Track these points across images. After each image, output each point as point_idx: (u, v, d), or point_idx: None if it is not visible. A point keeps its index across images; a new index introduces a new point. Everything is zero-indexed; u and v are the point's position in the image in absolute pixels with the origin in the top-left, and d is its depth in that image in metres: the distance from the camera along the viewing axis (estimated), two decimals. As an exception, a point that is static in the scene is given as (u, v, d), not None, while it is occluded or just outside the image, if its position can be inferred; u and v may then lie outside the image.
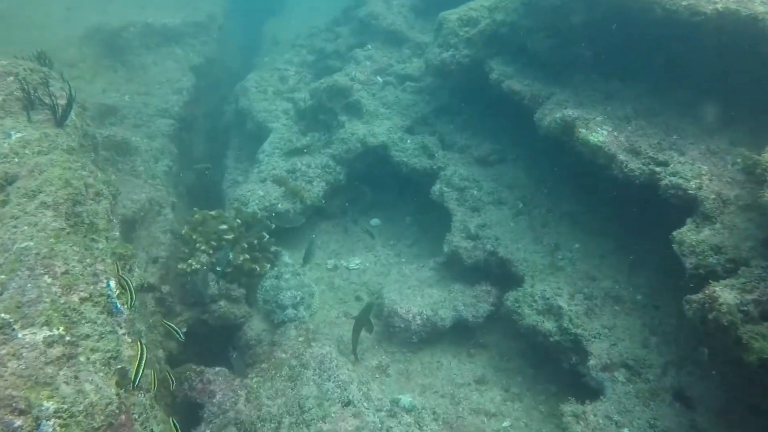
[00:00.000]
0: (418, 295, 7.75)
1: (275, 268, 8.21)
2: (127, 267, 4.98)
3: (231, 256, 7.42)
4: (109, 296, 3.85)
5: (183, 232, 7.85)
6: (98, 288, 3.79)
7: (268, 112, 11.03)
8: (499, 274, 7.73)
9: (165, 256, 8.20)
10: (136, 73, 11.59)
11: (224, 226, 7.72)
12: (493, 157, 8.99)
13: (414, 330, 7.32)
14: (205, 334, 7.73)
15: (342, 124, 9.77)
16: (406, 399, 6.20)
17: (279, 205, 8.92)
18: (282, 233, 8.95)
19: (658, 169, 6.13)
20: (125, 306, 4.01)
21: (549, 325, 6.58)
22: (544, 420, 6.60)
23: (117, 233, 6.58)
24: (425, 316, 7.32)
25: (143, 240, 8.23)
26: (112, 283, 3.99)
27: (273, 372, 6.44)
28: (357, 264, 8.94)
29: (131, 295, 4.08)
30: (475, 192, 8.42)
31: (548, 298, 6.76)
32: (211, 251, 7.60)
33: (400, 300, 7.61)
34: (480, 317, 7.42)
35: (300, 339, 7.06)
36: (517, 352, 7.43)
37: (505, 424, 6.52)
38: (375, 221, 9.91)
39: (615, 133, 6.66)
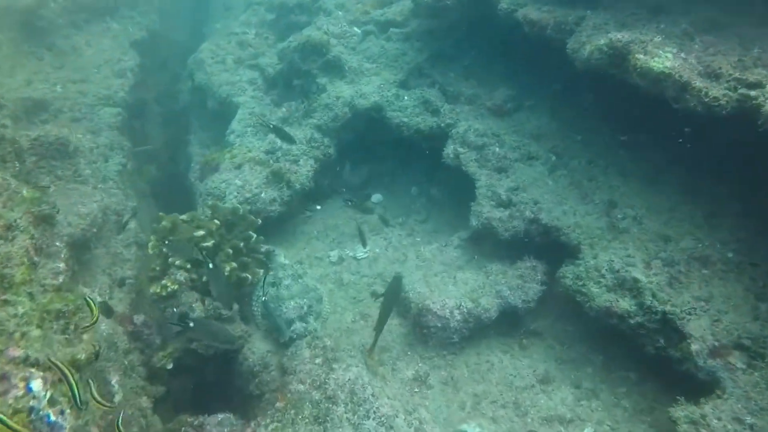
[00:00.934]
0: (449, 282, 6.39)
1: (270, 273, 6.73)
2: (71, 327, 3.46)
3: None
4: (33, 409, 2.38)
5: (150, 245, 6.29)
6: (11, 399, 2.31)
7: (231, 85, 9.33)
8: (543, 245, 6.40)
9: (133, 276, 6.66)
10: (67, 57, 9.69)
11: (201, 232, 6.17)
12: (509, 105, 7.54)
13: (454, 328, 5.98)
14: (197, 366, 6.28)
15: (323, 88, 8.17)
16: (472, 430, 4.89)
17: (262, 194, 7.38)
18: (269, 228, 7.45)
19: (753, 93, 4.75)
20: (69, 410, 2.53)
21: (626, 303, 5.29)
22: (631, 419, 5.39)
23: (61, 265, 5.05)
24: (465, 310, 5.97)
25: (103, 260, 6.66)
26: (36, 384, 2.48)
27: (292, 413, 5.04)
28: (365, 252, 7.50)
29: (73, 384, 2.57)
30: (497, 149, 6.98)
31: (618, 270, 5.45)
32: (188, 266, 6.07)
33: (430, 292, 6.23)
34: (531, 301, 6.10)
35: (317, 361, 5.65)
36: (577, 336, 6.17)
37: (587, 431, 5.29)
38: (376, 197, 8.45)
39: (682, 55, 5.25)
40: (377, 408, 4.85)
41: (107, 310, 5.38)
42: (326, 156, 7.85)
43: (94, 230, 6.37)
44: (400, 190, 8.57)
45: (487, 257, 6.80)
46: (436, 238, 7.60)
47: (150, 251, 6.29)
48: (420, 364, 6.09)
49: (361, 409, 4.85)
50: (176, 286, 5.89)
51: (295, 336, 6.12)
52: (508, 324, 6.34)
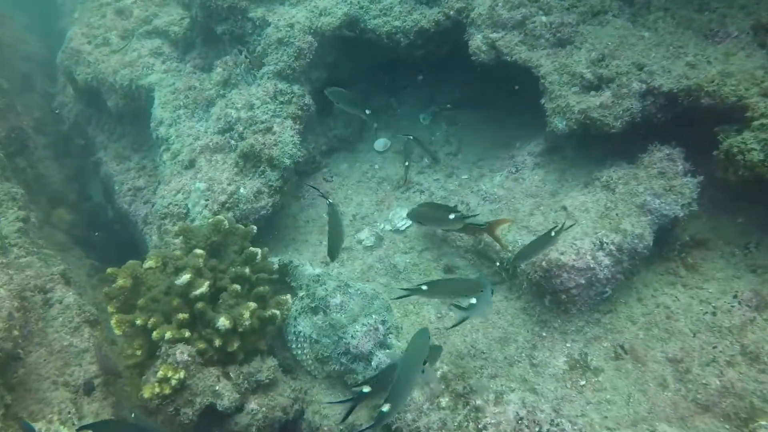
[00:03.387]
0: (561, 217, 4.40)
1: (301, 294, 4.52)
2: None
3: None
4: None
5: (113, 322, 3.92)
6: None
7: (131, 66, 6.71)
8: (666, 124, 4.47)
9: (102, 373, 4.31)
10: None
11: (186, 276, 3.83)
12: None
13: (605, 278, 4.02)
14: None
15: (263, 22, 5.75)
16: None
17: (241, 190, 5.06)
18: (261, 231, 5.15)
19: None
20: None
21: None
22: None
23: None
24: (612, 247, 4.01)
25: (47, 366, 4.29)
26: None
27: None
28: (406, 218, 5.37)
29: None
30: (544, 18, 4.89)
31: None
32: (188, 332, 3.77)
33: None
34: (692, 202, 4.19)
35: (443, 402, 3.57)
36: (760, 226, 4.35)
37: None
38: (380, 142, 6.26)
39: None
40: (606, 455, 2.87)
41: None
42: (304, 109, 5.54)
43: (15, 332, 3.93)
44: (406, 126, 6.40)
45: (586, 166, 4.85)
46: (489, 167, 5.56)
47: (117, 330, 3.93)
48: (568, 345, 4.15)
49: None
50: (182, 374, 3.61)
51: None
52: (657, 244, 4.44)
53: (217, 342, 3.83)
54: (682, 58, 4.29)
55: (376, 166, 6.07)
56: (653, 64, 4.33)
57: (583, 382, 3.95)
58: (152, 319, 3.81)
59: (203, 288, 3.89)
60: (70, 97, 8.38)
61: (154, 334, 3.74)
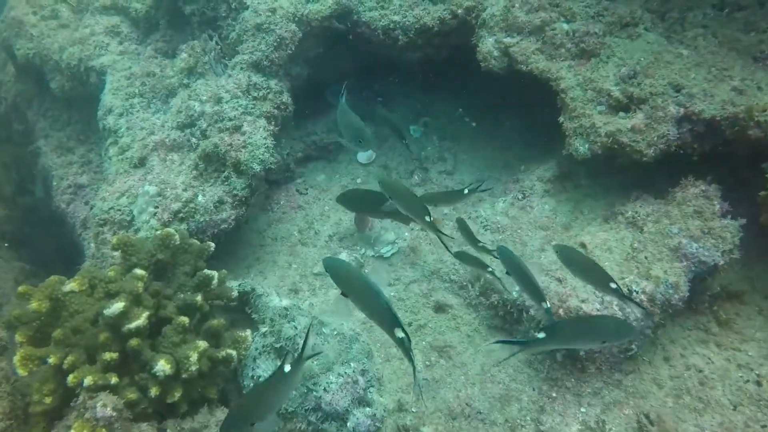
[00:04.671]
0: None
1: (264, 330, 3.72)
2: None
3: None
4: None
5: (16, 359, 3.03)
6: None
7: (81, 44, 5.79)
8: (709, 152, 3.88)
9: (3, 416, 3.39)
10: None
11: (119, 304, 2.99)
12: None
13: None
14: None
15: (240, 4, 4.95)
16: None
17: (199, 198, 4.24)
18: (219, 248, 4.33)
19: None
20: None
21: None
22: None
23: None
24: (643, 297, 3.36)
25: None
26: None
27: None
28: (392, 242, 4.63)
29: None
30: (565, 25, 4.27)
31: None
32: (115, 378, 2.92)
33: (560, 284, 3.57)
34: (732, 248, 3.59)
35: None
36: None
37: None
38: (364, 154, 5.53)
39: None
40: None
41: None
42: (281, 108, 4.75)
43: None
44: (394, 136, 5.69)
45: (604, 197, 4.23)
46: (488, 191, 4.89)
47: (21, 370, 3.05)
48: (583, 409, 3.47)
49: None
50: (102, 435, 2.76)
51: (361, 438, 3.24)
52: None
53: (154, 391, 2.99)
54: (727, 82, 3.72)
55: (359, 180, 5.34)
56: (693, 86, 3.75)
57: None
58: (69, 358, 2.95)
59: (140, 320, 3.05)
60: (10, 75, 7.35)
61: (70, 377, 2.88)
